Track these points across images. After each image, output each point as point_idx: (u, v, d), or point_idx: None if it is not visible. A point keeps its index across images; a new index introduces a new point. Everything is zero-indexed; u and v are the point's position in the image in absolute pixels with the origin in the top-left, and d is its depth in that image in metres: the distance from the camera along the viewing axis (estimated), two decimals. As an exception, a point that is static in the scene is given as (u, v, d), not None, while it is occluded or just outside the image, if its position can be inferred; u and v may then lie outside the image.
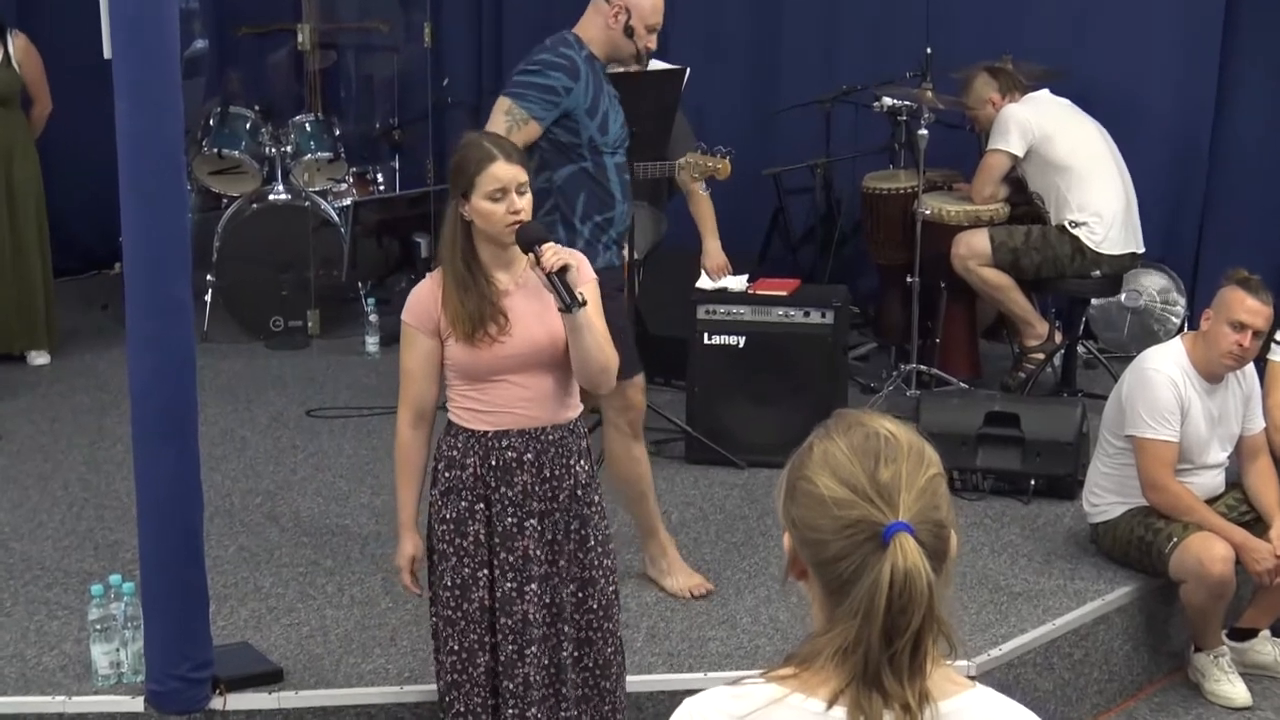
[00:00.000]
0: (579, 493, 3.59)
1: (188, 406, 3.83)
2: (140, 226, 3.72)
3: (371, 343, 7.20)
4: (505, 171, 3.44)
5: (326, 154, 7.76)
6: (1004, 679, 4.32)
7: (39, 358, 6.98)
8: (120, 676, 4.09)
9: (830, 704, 1.62)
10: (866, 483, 1.63)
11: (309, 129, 7.78)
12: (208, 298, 7.31)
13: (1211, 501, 4.81)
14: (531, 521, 3.53)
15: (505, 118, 4.35)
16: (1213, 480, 4.86)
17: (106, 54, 3.82)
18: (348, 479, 5.64)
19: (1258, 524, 4.79)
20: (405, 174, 8.32)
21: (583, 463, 3.60)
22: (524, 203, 3.45)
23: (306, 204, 7.41)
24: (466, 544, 3.54)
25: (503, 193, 3.43)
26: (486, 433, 3.52)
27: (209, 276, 7.31)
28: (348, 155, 7.87)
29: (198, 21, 8.44)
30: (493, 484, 3.52)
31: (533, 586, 3.53)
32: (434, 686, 4.03)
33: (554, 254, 3.40)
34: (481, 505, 3.53)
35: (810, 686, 1.63)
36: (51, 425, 6.20)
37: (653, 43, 4.56)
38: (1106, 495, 4.89)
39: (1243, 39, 6.81)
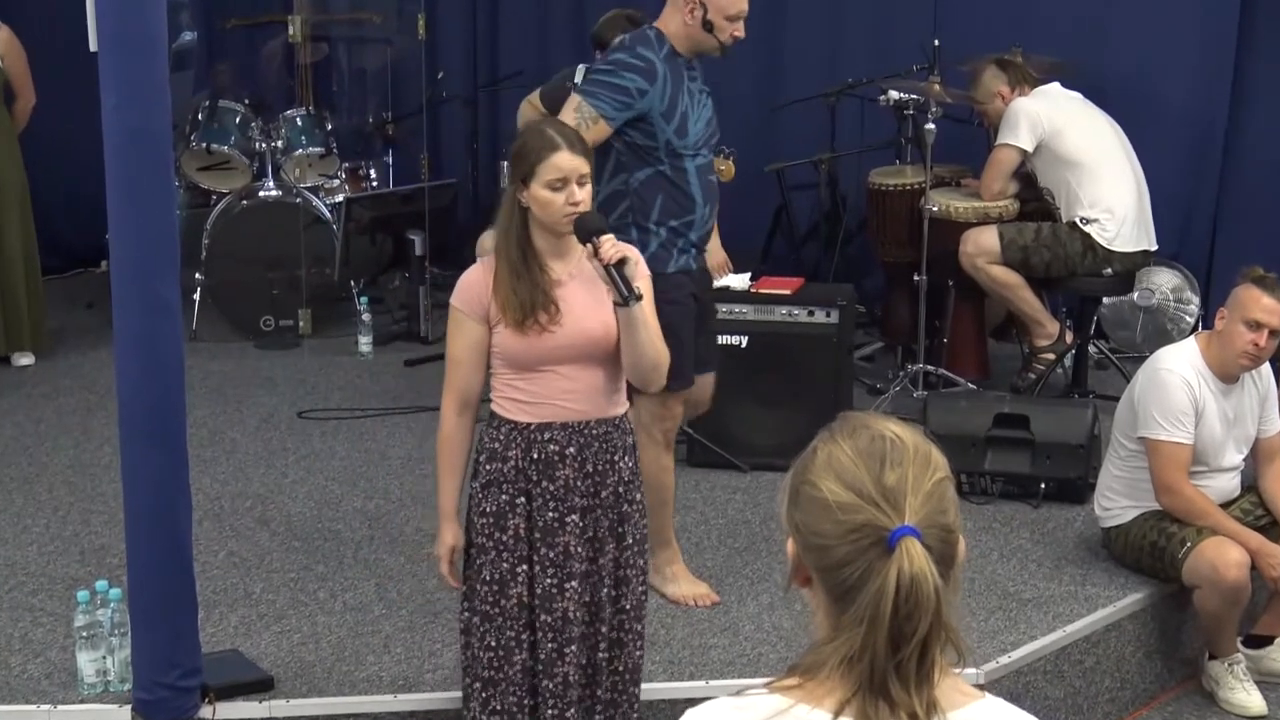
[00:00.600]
0: (621, 490, 3.57)
1: (176, 408, 3.80)
2: (127, 224, 3.69)
3: (364, 343, 7.14)
4: (567, 161, 3.42)
5: (318, 149, 7.69)
6: (1013, 687, 4.30)
7: (23, 359, 6.90)
8: (107, 685, 4.06)
9: (836, 715, 1.59)
10: (872, 486, 1.60)
11: (300, 123, 7.71)
12: (196, 296, 7.25)
13: (1226, 505, 4.79)
14: (573, 517, 3.51)
15: (575, 115, 4.29)
16: (1228, 483, 4.84)
17: (92, 46, 3.84)
18: (340, 482, 5.60)
19: (1274, 529, 4.79)
20: (399, 169, 8.28)
21: (627, 459, 3.58)
22: (583, 194, 3.44)
23: (297, 200, 7.34)
24: (506, 538, 3.51)
25: (563, 182, 3.41)
26: (529, 425, 3.50)
27: (197, 275, 7.25)
28: (340, 150, 7.82)
29: (186, 13, 8.40)
30: (534, 477, 3.50)
31: (573, 584, 3.51)
32: (428, 695, 4.07)
33: (613, 246, 3.38)
34: (523, 499, 3.51)
35: (815, 697, 1.61)
36: (36, 427, 6.15)
37: (740, 30, 4.41)
38: (1118, 499, 4.87)
39: (1258, 33, 6.80)
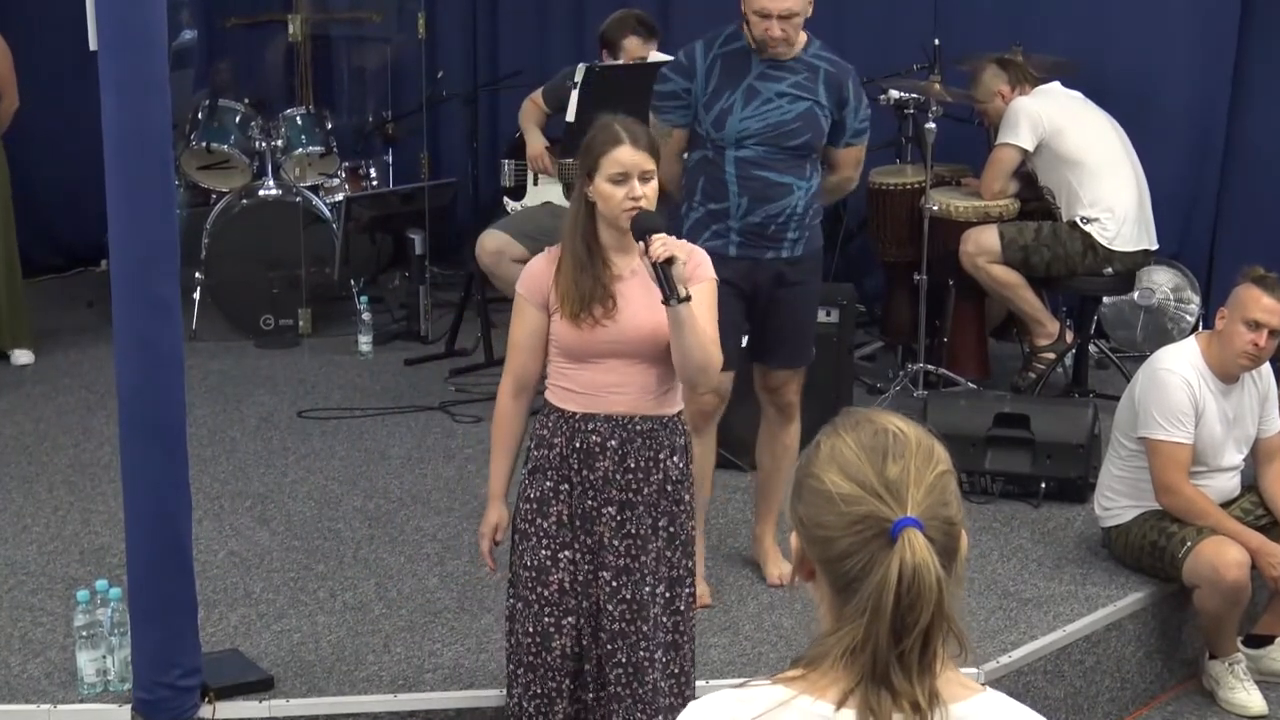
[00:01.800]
0: (669, 489, 3.58)
1: (176, 407, 3.80)
2: (127, 223, 3.69)
3: (364, 342, 7.12)
4: (629, 156, 3.47)
5: (318, 148, 7.67)
6: (1014, 687, 4.29)
7: (23, 357, 6.87)
8: (107, 684, 4.06)
9: (839, 705, 1.61)
10: (874, 479, 1.63)
11: (300, 122, 7.69)
12: (196, 295, 7.23)
13: (1226, 505, 4.79)
14: (609, 509, 3.54)
15: (654, 132, 4.54)
16: (1228, 483, 4.83)
17: (92, 45, 3.82)
18: (340, 482, 5.58)
19: (1274, 528, 4.78)
20: (399, 169, 8.26)
21: (675, 459, 3.59)
22: (646, 190, 3.48)
23: (297, 199, 7.32)
24: (548, 525, 3.55)
25: (624, 177, 3.47)
26: (575, 414, 3.54)
27: (197, 274, 7.23)
28: (340, 149, 7.79)
29: (185, 12, 8.36)
30: (575, 466, 3.54)
31: (605, 574, 3.54)
32: (428, 695, 4.08)
33: (662, 244, 3.41)
34: (566, 486, 3.55)
35: (818, 688, 1.63)
36: (36, 426, 6.14)
37: (773, 29, 4.40)
38: (1119, 498, 4.86)
39: (1259, 32, 6.78)
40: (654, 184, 3.50)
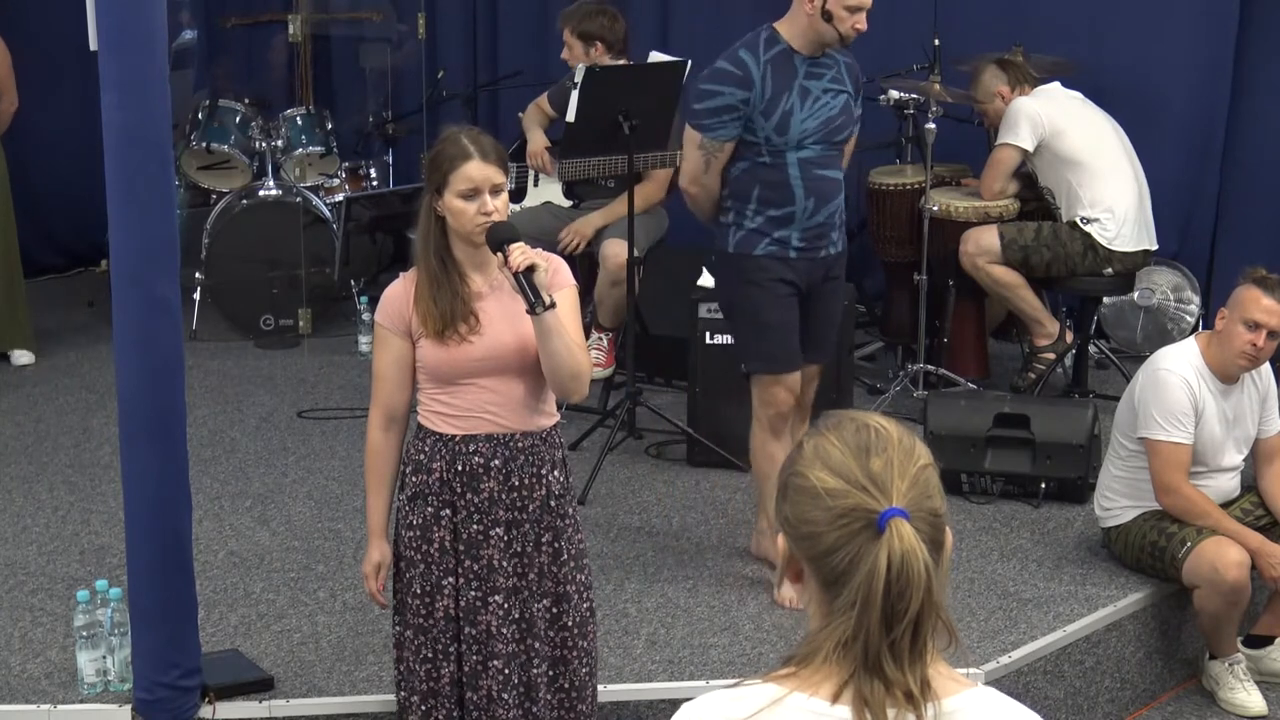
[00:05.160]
0: (551, 504, 3.52)
1: (176, 408, 3.80)
2: (127, 223, 3.70)
3: (364, 342, 7.12)
4: (479, 171, 3.39)
5: (318, 148, 7.68)
6: (1014, 687, 4.29)
7: (23, 357, 6.88)
8: (107, 684, 4.07)
9: (834, 700, 1.62)
10: (859, 472, 1.65)
11: (300, 122, 7.70)
12: (196, 296, 7.23)
13: (1226, 505, 4.79)
14: (497, 530, 3.47)
15: (699, 152, 4.54)
16: (1228, 483, 4.83)
17: (92, 45, 3.81)
18: (340, 482, 5.58)
19: (1274, 529, 4.79)
20: (399, 169, 8.27)
21: (556, 473, 3.53)
22: (497, 203, 3.40)
23: (298, 200, 7.32)
24: (433, 550, 3.49)
25: (475, 192, 3.39)
26: (454, 437, 3.47)
27: (197, 274, 7.23)
28: (340, 149, 7.79)
29: (185, 12, 8.35)
30: (459, 490, 3.47)
31: (497, 598, 3.47)
32: None
33: (522, 254, 3.33)
34: (448, 511, 3.48)
35: (812, 684, 1.64)
36: (36, 426, 6.14)
37: (861, 23, 4.48)
38: (1119, 499, 4.86)
39: (1259, 32, 6.78)
40: (504, 196, 3.41)
